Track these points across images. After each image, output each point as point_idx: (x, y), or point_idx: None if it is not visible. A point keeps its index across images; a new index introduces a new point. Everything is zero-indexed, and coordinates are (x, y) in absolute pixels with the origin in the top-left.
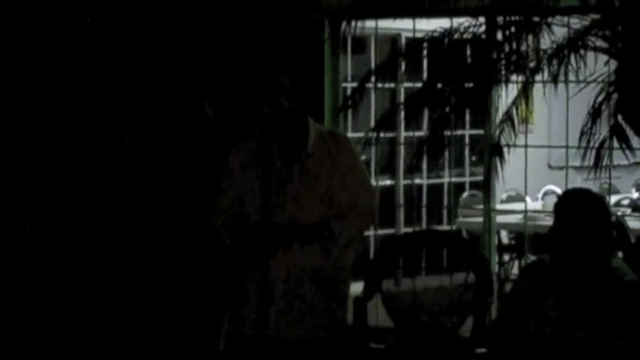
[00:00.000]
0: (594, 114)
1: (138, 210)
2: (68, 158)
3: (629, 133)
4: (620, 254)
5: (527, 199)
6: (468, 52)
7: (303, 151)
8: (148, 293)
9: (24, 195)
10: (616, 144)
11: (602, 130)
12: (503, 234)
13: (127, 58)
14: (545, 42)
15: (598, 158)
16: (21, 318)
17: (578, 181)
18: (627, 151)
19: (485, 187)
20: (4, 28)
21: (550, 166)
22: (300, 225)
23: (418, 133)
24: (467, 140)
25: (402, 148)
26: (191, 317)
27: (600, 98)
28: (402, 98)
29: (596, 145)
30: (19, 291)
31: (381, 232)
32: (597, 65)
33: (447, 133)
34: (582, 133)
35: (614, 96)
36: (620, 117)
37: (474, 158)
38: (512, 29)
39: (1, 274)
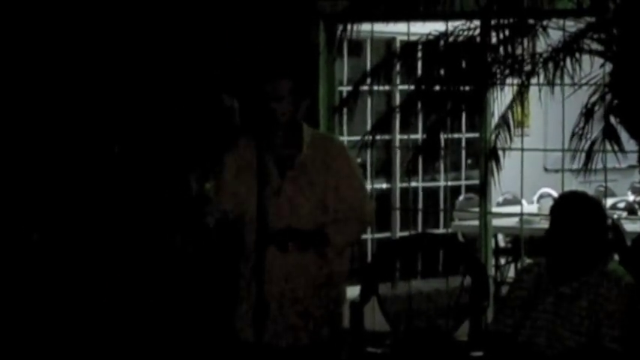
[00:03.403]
0: (587, 114)
1: (134, 212)
2: (71, 162)
3: (625, 136)
4: (616, 257)
5: (523, 202)
6: (463, 55)
7: (298, 156)
8: (144, 296)
9: (30, 201)
10: (608, 147)
11: (595, 131)
12: (500, 237)
13: (126, 60)
14: (541, 45)
15: (588, 159)
16: (28, 322)
17: (573, 184)
18: (621, 154)
19: (482, 191)
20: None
21: (546, 169)
22: (296, 230)
23: (414, 137)
24: (463, 144)
25: (397, 152)
26: (185, 319)
27: (594, 99)
28: (397, 101)
29: (588, 146)
30: (26, 296)
31: (377, 235)
32: (593, 68)
33: (444, 136)
34: (573, 134)
35: (608, 97)
36: (612, 118)
37: (469, 162)
38: (508, 32)
39: (9, 280)
